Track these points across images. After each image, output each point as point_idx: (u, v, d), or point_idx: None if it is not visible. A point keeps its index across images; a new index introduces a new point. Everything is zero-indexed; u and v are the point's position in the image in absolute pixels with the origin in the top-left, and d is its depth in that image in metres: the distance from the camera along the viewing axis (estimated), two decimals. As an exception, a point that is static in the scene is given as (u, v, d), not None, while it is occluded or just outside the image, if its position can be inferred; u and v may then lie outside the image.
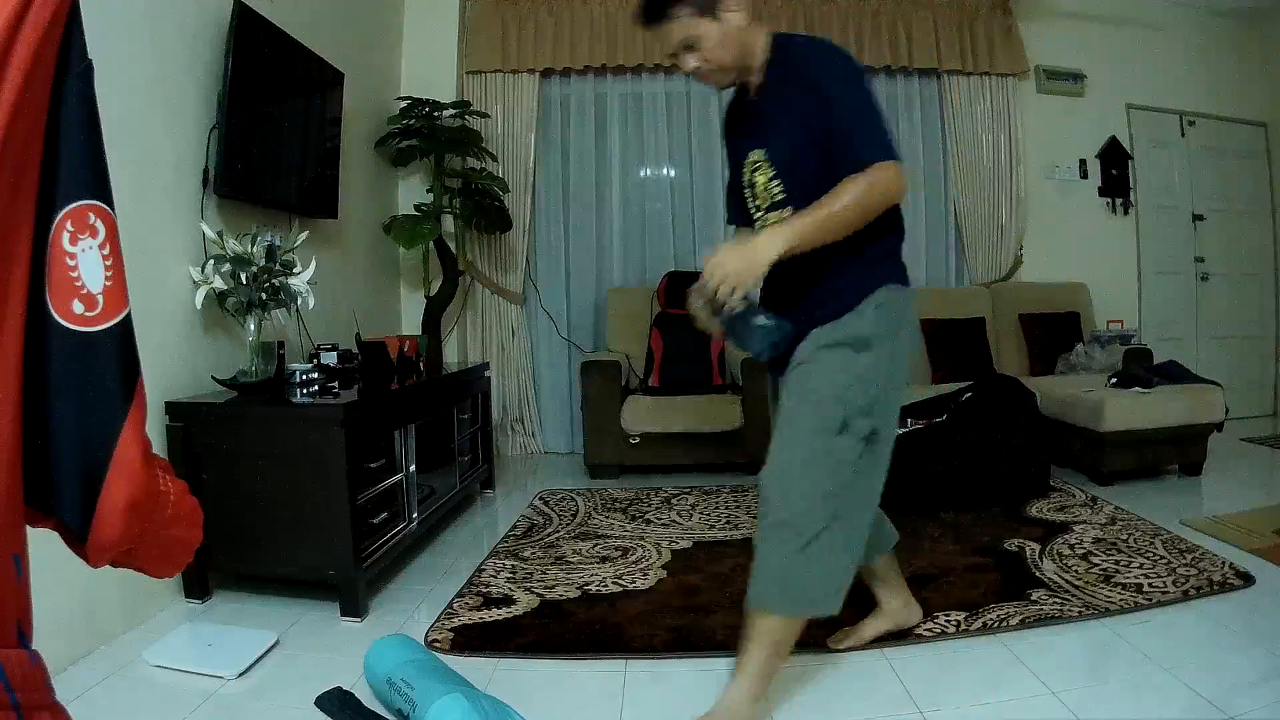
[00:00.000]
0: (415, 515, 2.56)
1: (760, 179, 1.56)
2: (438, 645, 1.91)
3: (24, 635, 0.58)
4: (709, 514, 3.01)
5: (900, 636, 1.87)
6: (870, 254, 1.49)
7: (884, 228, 1.47)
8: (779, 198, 1.54)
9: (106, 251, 0.61)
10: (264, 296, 2.33)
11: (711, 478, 3.60)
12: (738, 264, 1.35)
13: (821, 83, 1.44)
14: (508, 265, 4.30)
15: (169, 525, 0.67)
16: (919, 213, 4.49)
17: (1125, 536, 2.53)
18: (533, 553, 2.60)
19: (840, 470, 1.44)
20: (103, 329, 0.60)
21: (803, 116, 1.46)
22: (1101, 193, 4.61)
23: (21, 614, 0.58)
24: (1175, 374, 3.49)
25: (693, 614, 2.05)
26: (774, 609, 1.47)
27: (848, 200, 1.37)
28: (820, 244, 1.40)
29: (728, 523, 2.90)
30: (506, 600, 2.17)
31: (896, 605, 1.87)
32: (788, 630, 1.49)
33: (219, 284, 2.26)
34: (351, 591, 2.10)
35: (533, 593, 2.23)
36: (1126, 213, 4.65)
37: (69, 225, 0.59)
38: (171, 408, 2.15)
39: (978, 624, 1.93)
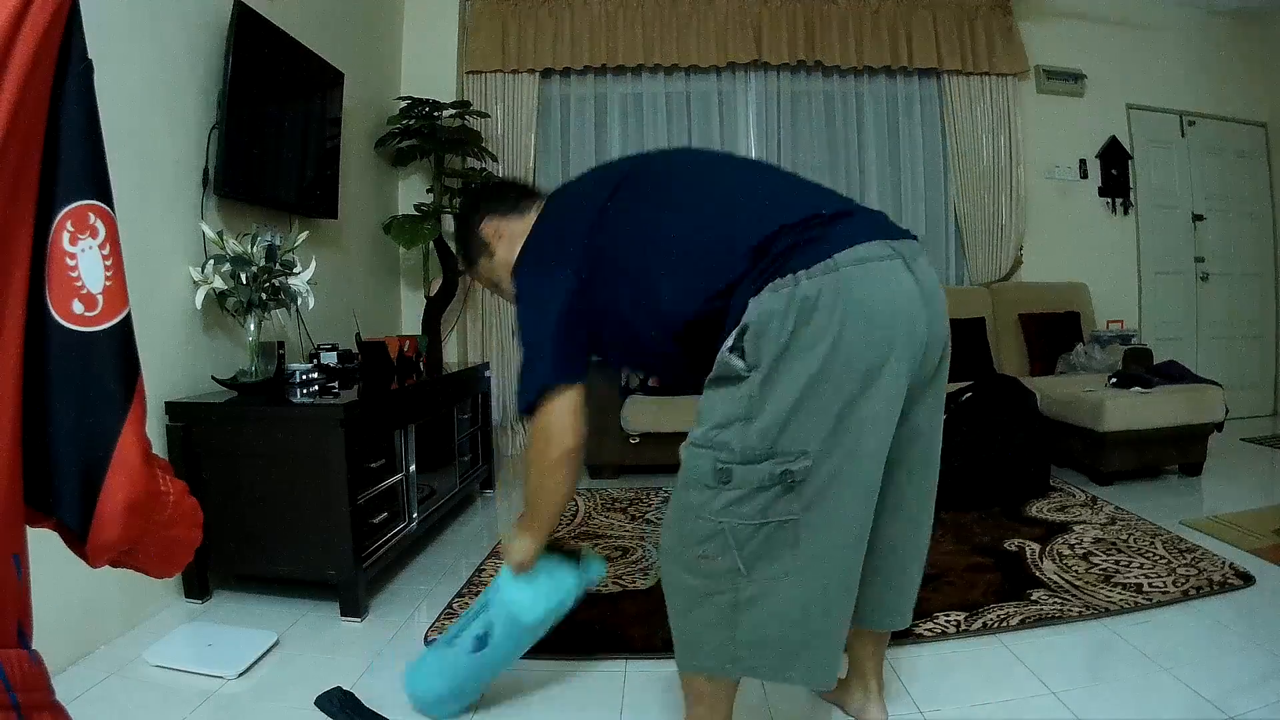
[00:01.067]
0: (415, 515, 2.56)
1: None
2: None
3: (24, 635, 0.58)
4: (709, 514, 3.00)
5: (900, 636, 1.87)
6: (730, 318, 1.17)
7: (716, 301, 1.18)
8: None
9: (106, 251, 0.61)
10: (264, 296, 2.33)
11: (711, 478, 3.60)
12: (507, 557, 1.52)
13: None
14: (508, 265, 4.30)
15: (169, 525, 0.67)
16: (919, 213, 4.50)
17: (1125, 536, 2.53)
18: (533, 553, 2.59)
19: (726, 527, 1.14)
20: (103, 329, 0.60)
21: None
22: (1101, 193, 4.61)
23: (21, 614, 0.58)
24: (1175, 374, 3.49)
25: (693, 614, 2.05)
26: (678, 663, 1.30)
27: (529, 488, 1.40)
28: (556, 516, 1.44)
29: (728, 523, 2.89)
30: (506, 600, 2.17)
31: (856, 699, 1.55)
32: (704, 685, 1.29)
33: (219, 284, 2.26)
34: (351, 591, 2.10)
35: (533, 593, 2.22)
36: (1126, 213, 4.65)
37: (69, 225, 0.59)
38: (171, 408, 2.15)
39: (978, 624, 1.93)
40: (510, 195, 1.55)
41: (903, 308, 1.14)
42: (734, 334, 1.13)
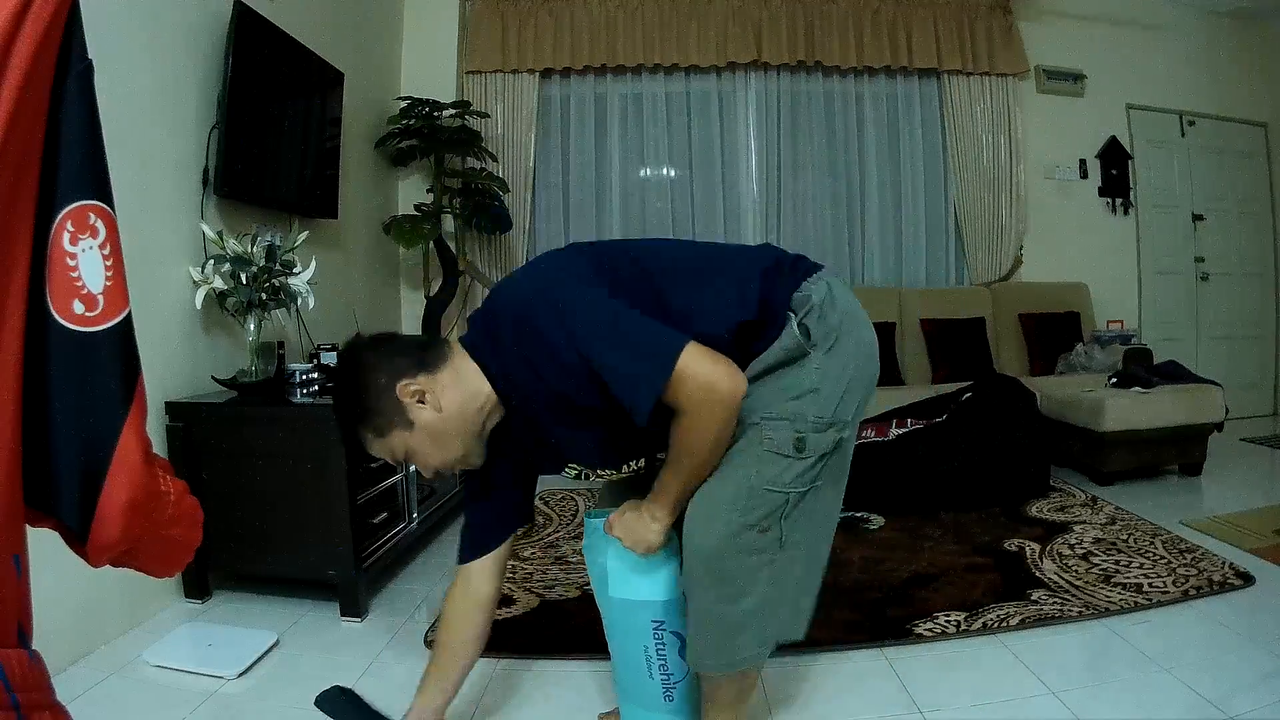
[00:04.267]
0: (415, 515, 2.56)
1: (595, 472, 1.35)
2: (438, 645, 1.90)
3: (24, 635, 0.58)
4: (709, 514, 3.00)
5: (901, 635, 1.87)
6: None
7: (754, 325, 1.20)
8: (615, 462, 1.32)
9: (107, 251, 0.61)
10: (264, 296, 2.33)
11: (711, 478, 3.60)
12: (632, 540, 1.25)
13: (551, 360, 1.13)
14: (508, 265, 4.30)
15: (169, 525, 0.67)
16: (919, 213, 4.50)
17: (1125, 536, 2.53)
18: (533, 553, 2.59)
19: (791, 496, 1.19)
20: (103, 329, 0.60)
21: (563, 404, 1.17)
22: (1101, 193, 4.61)
23: (21, 614, 0.58)
24: (1175, 374, 3.49)
25: (693, 614, 2.05)
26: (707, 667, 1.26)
27: (686, 451, 1.16)
28: (701, 480, 1.19)
29: (728, 523, 2.89)
30: (506, 600, 2.17)
31: None
32: (731, 687, 1.29)
33: (219, 284, 2.26)
34: (351, 591, 2.10)
35: (533, 593, 2.22)
36: (1126, 213, 4.65)
37: (69, 225, 0.59)
38: (171, 408, 2.15)
39: (978, 624, 1.93)
40: (410, 349, 1.26)
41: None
42: (796, 317, 1.21)
